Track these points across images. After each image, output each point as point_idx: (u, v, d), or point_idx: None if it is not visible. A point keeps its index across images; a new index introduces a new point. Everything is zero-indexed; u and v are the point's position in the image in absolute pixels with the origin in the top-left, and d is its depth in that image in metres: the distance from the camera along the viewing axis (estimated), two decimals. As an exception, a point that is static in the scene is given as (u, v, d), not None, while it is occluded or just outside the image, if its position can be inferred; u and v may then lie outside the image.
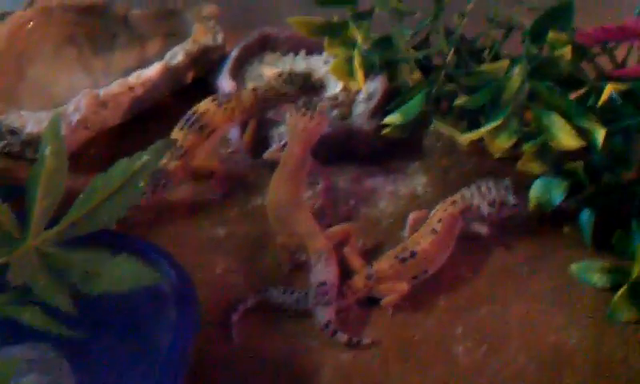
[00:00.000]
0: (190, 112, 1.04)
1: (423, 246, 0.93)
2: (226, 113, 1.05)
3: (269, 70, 1.18)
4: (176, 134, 1.03)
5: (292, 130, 1.01)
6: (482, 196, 0.96)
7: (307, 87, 1.10)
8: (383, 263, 0.92)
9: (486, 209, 0.96)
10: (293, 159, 0.99)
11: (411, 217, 0.99)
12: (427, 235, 0.94)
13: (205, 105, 1.05)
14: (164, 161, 1.00)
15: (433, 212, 0.97)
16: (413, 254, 0.92)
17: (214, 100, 1.05)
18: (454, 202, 0.97)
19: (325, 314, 0.88)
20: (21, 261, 0.79)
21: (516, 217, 0.99)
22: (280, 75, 1.10)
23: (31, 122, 1.06)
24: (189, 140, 1.02)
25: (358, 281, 0.92)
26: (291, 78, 1.09)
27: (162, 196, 1.02)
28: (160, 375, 0.74)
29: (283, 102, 1.09)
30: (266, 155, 1.07)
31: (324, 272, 0.89)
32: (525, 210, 0.98)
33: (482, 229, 0.97)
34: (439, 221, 0.95)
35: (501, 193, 0.96)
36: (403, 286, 0.91)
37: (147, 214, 1.02)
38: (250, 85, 1.13)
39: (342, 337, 0.87)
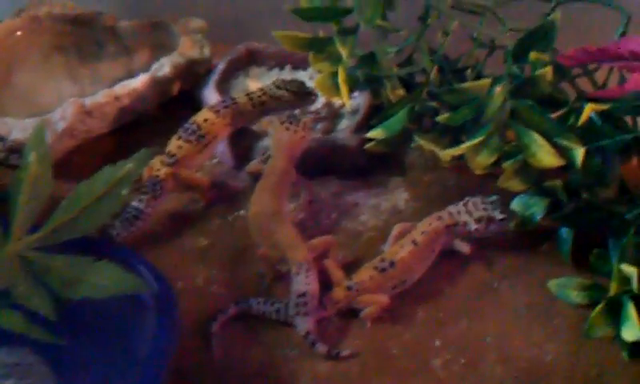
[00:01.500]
0: (188, 122, 1.05)
1: (402, 256, 0.93)
2: (225, 120, 1.06)
3: (254, 84, 1.19)
4: (173, 143, 1.04)
5: (276, 143, 1.02)
6: (468, 212, 0.97)
7: (303, 93, 1.11)
8: (363, 274, 0.93)
9: (473, 225, 0.97)
10: (276, 171, 1.00)
11: (396, 228, 1.00)
12: (407, 245, 0.94)
13: (203, 114, 1.06)
14: (161, 170, 1.01)
15: (418, 225, 0.98)
16: (392, 264, 0.93)
17: (211, 108, 1.06)
18: (440, 218, 0.98)
19: (305, 325, 0.88)
20: (2, 265, 0.79)
21: (502, 232, 0.99)
22: (274, 82, 1.11)
23: (17, 129, 1.06)
24: (185, 149, 1.03)
25: (339, 292, 0.92)
26: (285, 83, 1.10)
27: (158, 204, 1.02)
28: (138, 382, 0.74)
29: (279, 108, 1.10)
30: (249, 168, 1.08)
31: (304, 283, 0.90)
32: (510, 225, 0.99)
33: (465, 248, 0.98)
34: (422, 233, 0.96)
35: (488, 208, 0.97)
36: (383, 299, 0.92)
37: (148, 223, 1.02)
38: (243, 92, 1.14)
39: (322, 347, 0.87)
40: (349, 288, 0.92)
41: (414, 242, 0.95)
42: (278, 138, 1.02)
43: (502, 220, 0.97)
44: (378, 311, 0.92)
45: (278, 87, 1.10)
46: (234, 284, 0.97)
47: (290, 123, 1.03)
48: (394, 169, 1.13)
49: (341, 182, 1.11)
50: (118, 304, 0.80)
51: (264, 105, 1.10)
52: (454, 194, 1.07)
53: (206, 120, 1.05)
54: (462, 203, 0.99)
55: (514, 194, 1.00)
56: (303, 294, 0.89)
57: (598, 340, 0.91)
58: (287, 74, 1.22)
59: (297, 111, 1.12)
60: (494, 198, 0.98)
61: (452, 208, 0.98)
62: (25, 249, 0.80)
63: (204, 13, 1.26)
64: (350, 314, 0.93)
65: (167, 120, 1.17)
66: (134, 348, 0.81)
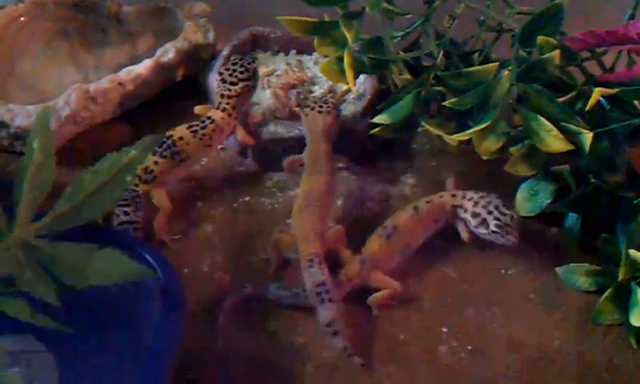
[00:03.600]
0: (164, 137, 1.03)
1: (404, 220, 0.95)
2: (204, 140, 1.05)
3: (259, 69, 1.18)
4: (150, 158, 1.01)
5: (312, 128, 1.04)
6: (475, 204, 0.96)
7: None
8: (371, 245, 0.94)
9: (469, 217, 0.96)
10: (321, 154, 1.02)
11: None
12: (408, 210, 0.96)
13: (180, 132, 1.04)
14: (140, 186, 1.00)
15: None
16: (394, 228, 0.94)
17: (188, 127, 1.04)
18: (453, 195, 0.98)
19: (330, 312, 0.87)
20: (6, 253, 0.78)
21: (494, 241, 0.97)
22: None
23: (20, 115, 1.05)
24: (161, 165, 1.01)
25: (352, 267, 0.92)
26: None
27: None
28: (145, 370, 0.74)
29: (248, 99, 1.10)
30: (286, 163, 1.07)
31: (320, 274, 0.89)
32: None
33: (464, 234, 0.98)
34: (427, 202, 0.97)
35: (492, 214, 0.95)
36: (395, 284, 0.92)
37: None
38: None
39: (339, 341, 0.86)
40: (362, 262, 0.92)
41: (416, 208, 0.96)
42: (314, 123, 1.03)
43: (493, 232, 0.94)
44: (387, 298, 0.92)
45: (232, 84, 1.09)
46: (239, 270, 0.97)
47: (321, 107, 1.04)
48: (400, 154, 1.13)
49: (347, 167, 1.10)
50: (124, 291, 0.80)
51: (242, 104, 1.09)
52: (460, 181, 1.07)
53: (181, 138, 1.03)
54: (480, 195, 0.97)
55: (521, 179, 0.99)
56: (323, 283, 0.88)
57: (605, 326, 0.91)
58: (292, 59, 1.22)
59: (318, 93, 1.13)
60: (511, 213, 0.95)
61: (471, 193, 0.98)
62: (29, 236, 0.80)
63: (208, -3, 1.26)
64: (358, 300, 0.93)
65: (171, 106, 1.17)
66: (139, 335, 0.81)
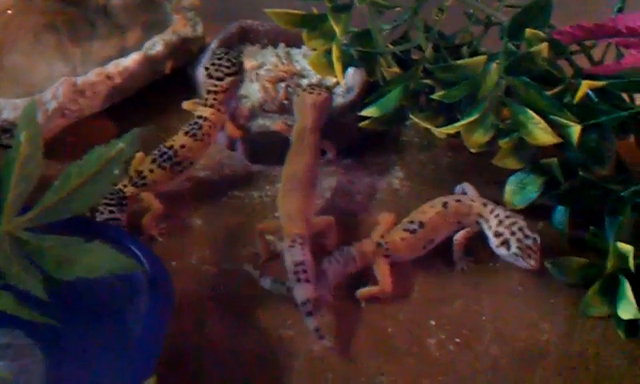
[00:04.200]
0: (164, 147, 1.02)
1: (431, 217, 0.95)
2: (205, 141, 1.04)
3: (248, 62, 1.18)
4: (146, 164, 1.01)
5: (301, 106, 1.04)
6: (500, 223, 0.94)
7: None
8: (394, 235, 0.94)
9: (490, 234, 0.94)
10: (307, 132, 1.02)
11: (383, 218, 0.99)
12: (437, 206, 0.96)
13: (179, 140, 1.03)
14: (128, 187, 0.99)
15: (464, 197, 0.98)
16: (421, 225, 0.94)
17: (185, 133, 1.03)
18: (485, 204, 0.96)
19: (304, 291, 0.87)
20: (-7, 245, 0.78)
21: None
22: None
23: (8, 108, 1.05)
24: (156, 174, 1.01)
25: (368, 245, 0.93)
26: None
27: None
28: (132, 362, 0.74)
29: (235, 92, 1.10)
30: (276, 126, 1.07)
31: (301, 254, 0.89)
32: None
33: (458, 250, 0.97)
34: (457, 201, 0.96)
35: (513, 238, 0.93)
36: (388, 286, 0.92)
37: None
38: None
39: (313, 322, 0.86)
40: (379, 245, 0.93)
41: (445, 205, 0.96)
42: (303, 101, 1.04)
43: (514, 254, 0.92)
44: (378, 293, 0.92)
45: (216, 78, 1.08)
46: (228, 264, 0.97)
47: (312, 89, 1.05)
48: (389, 147, 1.13)
49: (335, 160, 1.10)
50: (111, 284, 0.80)
51: (230, 99, 1.08)
52: (449, 174, 1.07)
53: (183, 146, 1.02)
54: (507, 214, 0.94)
55: (510, 173, 0.99)
56: (301, 263, 0.88)
57: (594, 319, 0.91)
58: (281, 52, 1.21)
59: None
60: (534, 236, 0.92)
61: (499, 209, 0.95)
62: (16, 229, 0.79)
63: (196, -10, 1.25)
64: (346, 295, 0.93)
65: (160, 99, 1.17)
66: (127, 328, 0.81)
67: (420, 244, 0.94)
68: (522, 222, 0.94)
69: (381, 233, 0.95)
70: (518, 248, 0.92)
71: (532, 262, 0.92)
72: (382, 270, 0.93)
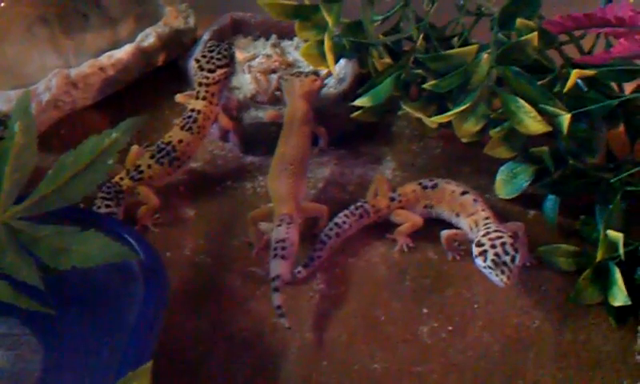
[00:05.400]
0: (162, 143, 1.03)
1: (446, 187, 0.98)
2: (201, 133, 1.05)
3: (241, 54, 1.18)
4: (145, 160, 1.01)
5: (290, 90, 1.06)
6: (486, 237, 0.89)
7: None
8: (407, 188, 0.99)
9: (474, 251, 0.89)
10: (298, 114, 1.04)
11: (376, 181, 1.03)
12: (454, 186, 0.98)
13: (176, 135, 1.03)
14: (125, 180, 1.00)
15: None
16: (435, 186, 0.99)
17: (182, 128, 1.04)
18: (484, 213, 0.94)
19: (278, 268, 0.89)
20: (-12, 235, 0.79)
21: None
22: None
23: (1, 100, 1.05)
24: (154, 170, 1.01)
25: (382, 200, 0.98)
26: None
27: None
28: (127, 350, 0.74)
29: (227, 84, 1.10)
30: (268, 116, 1.08)
31: (285, 232, 0.91)
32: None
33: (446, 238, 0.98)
34: (475, 200, 0.96)
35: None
36: (418, 219, 0.98)
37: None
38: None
39: (278, 298, 0.87)
40: (392, 199, 0.98)
41: (463, 193, 0.97)
42: (292, 85, 1.06)
43: (488, 266, 0.87)
44: (410, 229, 0.97)
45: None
46: (222, 254, 0.97)
47: (300, 73, 1.08)
48: (380, 138, 1.13)
49: (327, 151, 1.11)
50: (106, 274, 0.80)
51: (221, 90, 1.09)
52: (441, 164, 1.07)
53: (180, 141, 1.03)
54: (496, 229, 0.90)
55: (501, 162, 1.00)
56: (282, 240, 0.90)
57: (584, 306, 0.92)
58: (273, 43, 1.22)
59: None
60: (513, 254, 0.86)
61: (492, 223, 0.92)
62: (11, 219, 0.80)
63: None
64: (340, 281, 0.93)
65: (152, 91, 1.17)
66: (122, 317, 0.80)
67: (423, 201, 0.99)
68: (507, 239, 0.88)
69: (384, 192, 0.99)
70: (493, 261, 0.86)
71: (504, 278, 0.85)
72: (403, 215, 0.98)
